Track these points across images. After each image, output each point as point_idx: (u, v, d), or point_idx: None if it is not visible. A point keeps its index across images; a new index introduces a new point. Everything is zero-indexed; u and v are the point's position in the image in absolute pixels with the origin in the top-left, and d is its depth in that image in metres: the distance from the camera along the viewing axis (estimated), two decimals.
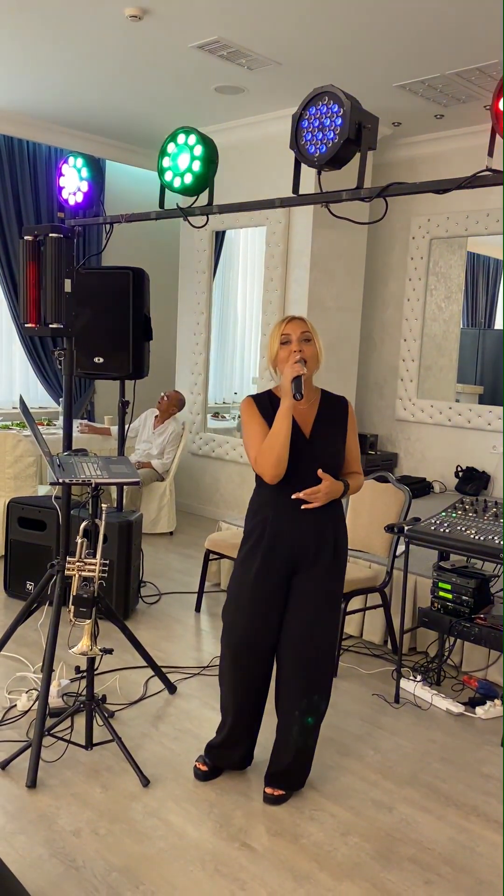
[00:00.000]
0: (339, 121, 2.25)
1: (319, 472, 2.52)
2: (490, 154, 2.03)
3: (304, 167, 2.45)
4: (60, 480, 2.78)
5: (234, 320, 8.13)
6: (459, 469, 6.09)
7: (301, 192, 2.56)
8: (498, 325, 10.12)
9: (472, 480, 5.97)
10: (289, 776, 2.68)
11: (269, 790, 2.66)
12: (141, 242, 6.99)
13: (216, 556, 4.53)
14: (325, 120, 2.28)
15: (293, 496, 2.51)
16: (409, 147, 6.36)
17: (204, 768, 2.78)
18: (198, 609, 4.51)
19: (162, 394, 6.26)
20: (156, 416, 6.24)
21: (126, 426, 4.57)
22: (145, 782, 2.71)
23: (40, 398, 6.85)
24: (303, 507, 2.52)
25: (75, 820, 2.51)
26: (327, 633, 2.63)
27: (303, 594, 2.57)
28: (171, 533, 6.11)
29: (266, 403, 2.62)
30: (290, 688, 2.61)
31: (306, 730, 2.64)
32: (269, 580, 2.58)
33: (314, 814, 2.61)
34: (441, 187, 2.16)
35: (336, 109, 2.26)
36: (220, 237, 7.08)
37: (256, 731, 2.79)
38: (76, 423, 6.40)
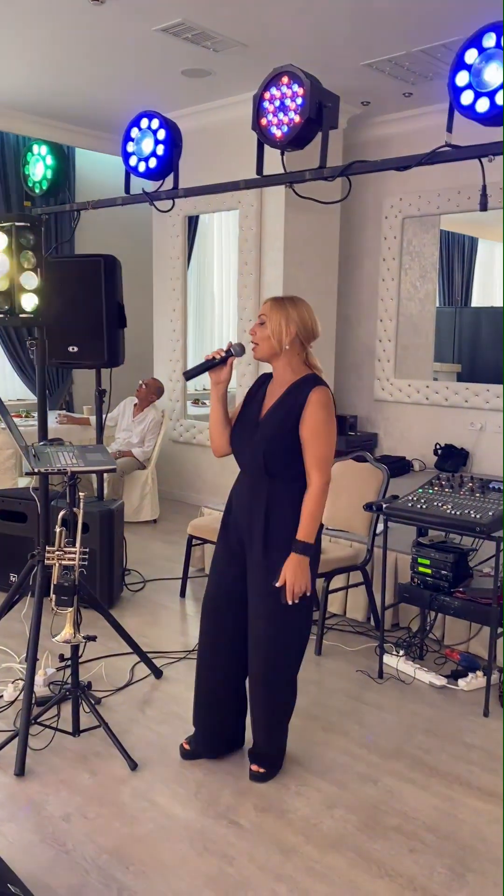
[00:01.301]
0: (300, 100, 2.25)
1: (276, 584, 2.46)
2: (448, 130, 2.05)
3: (268, 148, 2.45)
4: (36, 470, 2.78)
5: (210, 305, 8.10)
6: (438, 447, 6.14)
7: (269, 173, 2.56)
8: (474, 303, 10.15)
9: (452, 457, 6.02)
10: (266, 756, 2.71)
11: (253, 767, 2.70)
12: (114, 230, 6.94)
13: (199, 542, 4.55)
14: (285, 100, 2.28)
15: (275, 584, 2.48)
16: (379, 126, 6.33)
17: (188, 747, 2.81)
18: (182, 594, 4.53)
19: (140, 382, 6.25)
20: (135, 405, 6.22)
21: (104, 415, 4.55)
22: (133, 766, 2.73)
23: (18, 390, 6.81)
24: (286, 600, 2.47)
25: (64, 805, 2.53)
26: (274, 622, 2.55)
27: (251, 581, 2.60)
28: (154, 521, 6.12)
29: (258, 383, 2.72)
30: (251, 672, 2.67)
31: (266, 715, 2.67)
32: (226, 556, 2.67)
33: (300, 789, 2.65)
34: (401, 164, 2.17)
35: (296, 89, 2.26)
36: (193, 222, 7.04)
37: (233, 718, 2.80)
38: (54, 414, 6.37)
